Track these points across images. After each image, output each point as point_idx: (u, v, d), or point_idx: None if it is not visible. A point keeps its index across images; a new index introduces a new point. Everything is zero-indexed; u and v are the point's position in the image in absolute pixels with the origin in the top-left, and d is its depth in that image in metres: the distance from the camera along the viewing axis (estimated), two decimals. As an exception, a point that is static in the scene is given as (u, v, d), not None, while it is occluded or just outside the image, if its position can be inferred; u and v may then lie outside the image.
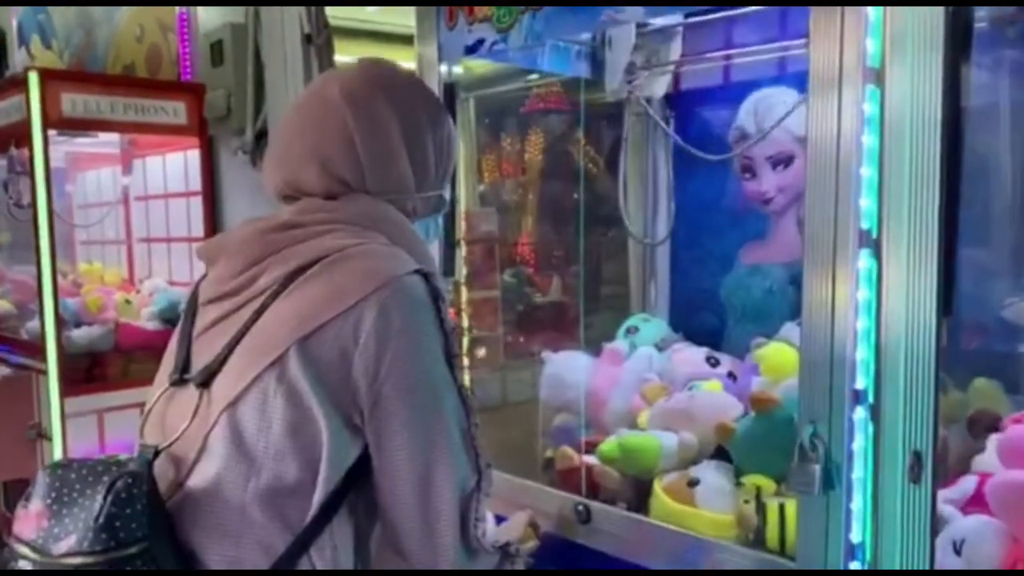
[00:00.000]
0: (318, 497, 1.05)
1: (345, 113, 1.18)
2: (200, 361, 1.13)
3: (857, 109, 1.17)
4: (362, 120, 1.18)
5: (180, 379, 1.13)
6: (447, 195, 1.31)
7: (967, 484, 1.30)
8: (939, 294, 1.11)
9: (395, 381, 1.05)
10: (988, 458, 1.34)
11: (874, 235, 1.18)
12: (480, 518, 1.10)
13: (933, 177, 1.11)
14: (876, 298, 1.18)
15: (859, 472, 1.21)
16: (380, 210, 1.18)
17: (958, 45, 1.09)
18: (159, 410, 1.15)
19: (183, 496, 1.07)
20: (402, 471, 1.07)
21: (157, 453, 1.07)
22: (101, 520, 0.97)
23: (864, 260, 1.19)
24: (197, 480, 1.06)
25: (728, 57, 2.16)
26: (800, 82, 1.97)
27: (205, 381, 1.10)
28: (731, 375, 1.83)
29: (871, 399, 1.19)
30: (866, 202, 1.18)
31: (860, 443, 1.21)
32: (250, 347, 1.08)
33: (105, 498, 0.97)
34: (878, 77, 1.16)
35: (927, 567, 1.13)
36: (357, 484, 1.09)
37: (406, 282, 1.09)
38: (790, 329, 1.72)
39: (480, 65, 2.12)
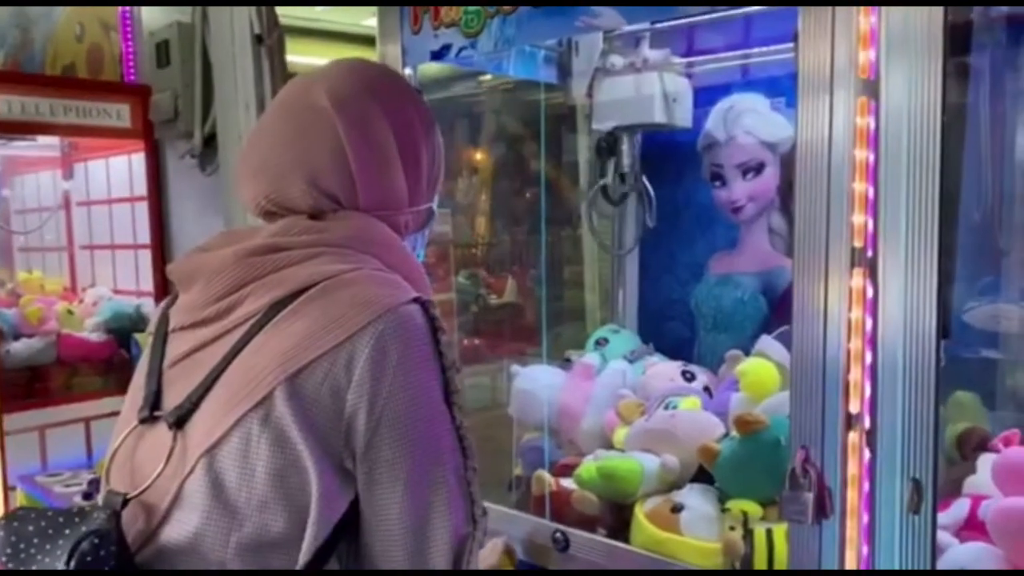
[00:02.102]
0: (306, 551, 0.95)
1: (335, 122, 1.06)
2: (172, 397, 1.02)
3: (849, 118, 1.13)
4: (355, 130, 1.07)
5: (150, 416, 1.02)
6: (435, 207, 1.21)
7: (960, 508, 1.26)
8: (938, 315, 1.07)
9: (391, 423, 0.96)
10: (980, 480, 1.31)
11: (868, 253, 1.13)
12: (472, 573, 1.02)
13: (932, 192, 1.06)
14: (871, 319, 1.13)
15: (853, 500, 1.17)
16: (372, 230, 1.08)
17: (958, 53, 1.05)
18: (127, 449, 1.04)
19: (156, 551, 0.97)
20: (393, 521, 0.97)
21: (126, 502, 0.96)
22: None
23: (857, 279, 1.15)
24: (172, 534, 0.96)
25: (694, 64, 2.12)
26: (769, 88, 1.97)
27: (179, 421, 0.99)
28: (707, 389, 1.78)
29: (866, 423, 1.15)
30: (860, 218, 1.14)
31: (854, 469, 1.16)
32: (230, 386, 0.97)
33: (68, 563, 0.87)
34: (873, 87, 1.11)
35: (927, 599, 1.09)
36: (347, 533, 1.00)
37: (403, 313, 0.98)
38: (767, 343, 1.67)
39: (432, 66, 2.05)
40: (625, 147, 2.10)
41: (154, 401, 1.03)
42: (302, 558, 0.95)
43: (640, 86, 1.99)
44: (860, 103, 1.12)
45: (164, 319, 1.10)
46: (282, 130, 1.10)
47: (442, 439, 1.00)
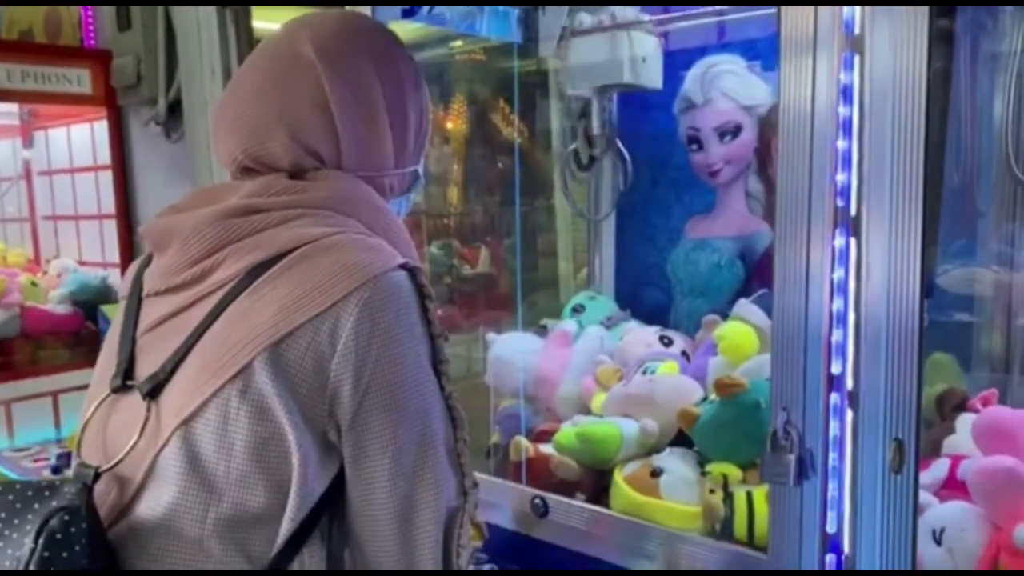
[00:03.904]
0: (287, 527, 0.92)
1: (320, 73, 1.01)
2: (146, 365, 0.98)
3: (833, 76, 1.10)
4: (340, 83, 1.01)
5: (122, 385, 0.98)
6: (422, 170, 1.16)
7: (939, 468, 1.26)
8: (922, 275, 1.05)
9: (378, 394, 0.92)
10: (960, 440, 1.31)
11: (852, 212, 1.12)
12: (463, 545, 1.00)
13: (917, 152, 1.04)
14: (854, 279, 1.12)
15: (835, 461, 1.16)
16: (355, 191, 1.03)
17: (941, 13, 1.03)
18: (99, 420, 1.00)
19: (129, 528, 0.93)
20: (380, 496, 0.94)
21: (98, 476, 0.92)
22: (32, 567, 0.83)
23: (840, 238, 1.13)
24: (146, 510, 0.93)
25: (665, 22, 2.09)
26: (745, 51, 1.95)
27: (152, 391, 0.95)
28: (684, 354, 1.77)
29: (849, 384, 1.14)
30: (843, 177, 1.12)
31: (836, 430, 1.16)
32: (207, 355, 0.93)
33: (36, 540, 0.83)
34: (857, 43, 1.09)
35: (909, 559, 1.09)
36: (331, 508, 0.97)
37: (390, 279, 0.94)
38: (745, 307, 1.66)
39: (400, 29, 2.01)
40: (595, 109, 2.07)
41: (127, 369, 0.99)
42: (282, 533, 0.92)
43: (608, 46, 1.95)
44: (844, 59, 1.10)
45: (138, 283, 1.05)
46: (262, 80, 1.04)
47: (431, 410, 0.97)
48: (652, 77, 1.98)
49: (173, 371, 0.95)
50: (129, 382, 0.98)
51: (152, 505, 0.92)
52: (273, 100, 1.02)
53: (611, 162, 2.17)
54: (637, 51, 1.94)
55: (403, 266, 0.97)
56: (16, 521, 0.87)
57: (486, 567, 1.23)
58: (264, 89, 1.03)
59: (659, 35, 2.07)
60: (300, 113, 1.01)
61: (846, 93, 1.10)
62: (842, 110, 1.11)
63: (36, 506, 0.87)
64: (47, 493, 0.89)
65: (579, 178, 2.24)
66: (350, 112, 1.02)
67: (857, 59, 1.09)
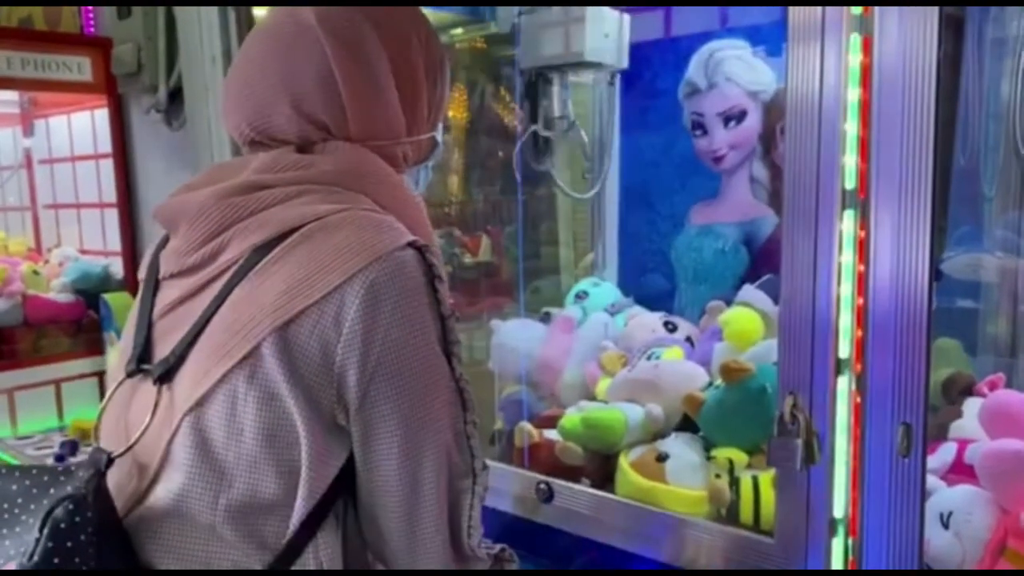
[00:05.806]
0: (299, 512, 0.91)
1: (323, 41, 0.99)
2: (161, 349, 0.97)
3: (842, 59, 1.09)
4: (344, 50, 0.99)
5: (137, 369, 0.97)
6: (440, 137, 1.13)
7: (946, 452, 1.26)
8: (932, 257, 1.05)
9: (385, 377, 0.91)
10: (966, 424, 1.31)
11: (860, 196, 1.11)
12: (474, 526, 0.99)
13: (927, 134, 1.03)
14: (862, 262, 1.11)
15: (842, 445, 1.16)
16: (365, 164, 1.00)
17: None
18: (117, 405, 0.99)
19: (142, 515, 0.92)
20: (389, 479, 0.93)
21: (111, 460, 0.91)
22: (36, 559, 0.81)
23: (848, 222, 1.12)
24: (159, 496, 0.92)
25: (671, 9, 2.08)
26: (750, 34, 1.94)
27: (164, 376, 0.94)
28: (689, 340, 1.77)
29: (856, 368, 1.13)
30: (851, 160, 1.11)
31: (843, 414, 1.15)
32: (215, 340, 0.92)
33: (41, 530, 0.82)
34: (866, 25, 1.08)
35: (916, 543, 1.09)
36: (344, 492, 0.96)
37: (398, 259, 0.91)
38: (750, 292, 1.66)
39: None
40: (555, 88, 2.00)
41: (142, 353, 0.98)
42: (295, 518, 0.91)
43: (568, 19, 1.87)
44: (852, 41, 1.09)
45: (154, 265, 1.04)
46: (265, 52, 1.02)
47: (439, 392, 0.95)
48: (615, 55, 1.90)
49: (184, 356, 0.94)
50: (144, 366, 0.97)
51: (164, 491, 0.92)
52: (276, 71, 1.00)
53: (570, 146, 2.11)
54: (599, 27, 1.87)
55: (412, 244, 0.94)
56: (32, 506, 0.87)
57: (496, 547, 1.23)
58: (267, 61, 1.01)
59: (661, 20, 2.06)
60: (304, 83, 0.99)
61: (854, 76, 1.09)
62: (850, 93, 1.10)
63: (52, 491, 0.87)
64: (62, 478, 0.89)
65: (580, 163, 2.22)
66: (354, 79, 1.00)
67: (866, 41, 1.08)
